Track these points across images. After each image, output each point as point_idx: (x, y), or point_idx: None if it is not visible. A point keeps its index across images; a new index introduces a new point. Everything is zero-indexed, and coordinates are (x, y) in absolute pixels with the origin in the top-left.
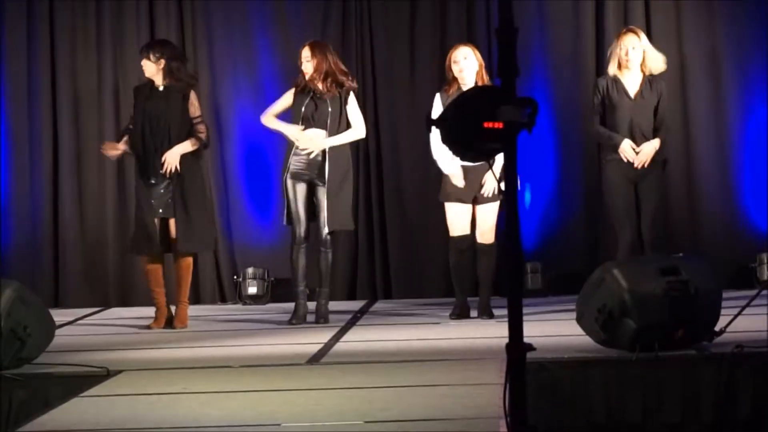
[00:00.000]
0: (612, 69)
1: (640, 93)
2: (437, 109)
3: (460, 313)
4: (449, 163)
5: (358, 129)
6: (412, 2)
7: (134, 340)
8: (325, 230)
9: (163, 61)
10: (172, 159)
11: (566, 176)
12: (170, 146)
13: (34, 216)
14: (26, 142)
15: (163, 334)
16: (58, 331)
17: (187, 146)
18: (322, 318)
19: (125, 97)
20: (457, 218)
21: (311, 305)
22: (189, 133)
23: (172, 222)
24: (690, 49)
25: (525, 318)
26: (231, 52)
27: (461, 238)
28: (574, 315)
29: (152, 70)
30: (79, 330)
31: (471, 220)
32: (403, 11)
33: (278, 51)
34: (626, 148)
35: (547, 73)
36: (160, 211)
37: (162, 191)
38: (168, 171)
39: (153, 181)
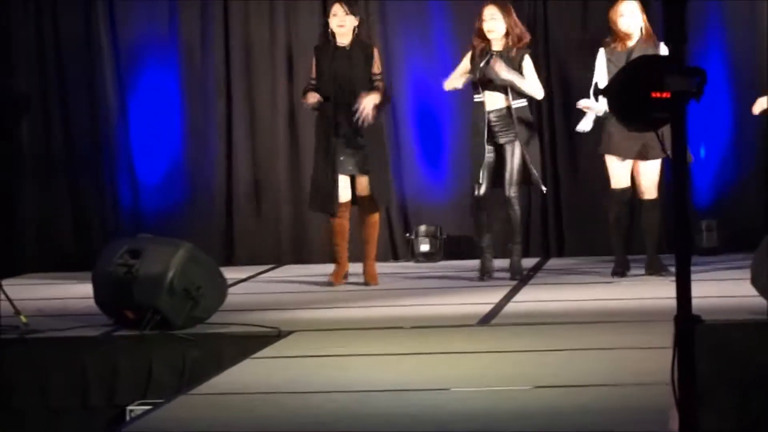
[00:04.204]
0: None
1: None
2: (600, 65)
3: (621, 271)
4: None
5: (535, 88)
6: None
7: (306, 299)
8: (512, 190)
9: (357, 20)
10: (369, 105)
11: (741, 133)
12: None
13: (207, 174)
14: (199, 98)
15: (335, 293)
16: (231, 289)
17: (377, 97)
18: (517, 273)
19: (297, 48)
20: (617, 171)
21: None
22: (371, 89)
23: (361, 179)
24: None
25: (698, 277)
26: (403, 8)
27: (622, 191)
28: (748, 274)
29: (350, 25)
30: (252, 288)
31: (631, 176)
32: None
33: (451, 8)
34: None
35: (723, 34)
36: (350, 168)
37: (352, 149)
38: (362, 118)
39: (343, 139)
